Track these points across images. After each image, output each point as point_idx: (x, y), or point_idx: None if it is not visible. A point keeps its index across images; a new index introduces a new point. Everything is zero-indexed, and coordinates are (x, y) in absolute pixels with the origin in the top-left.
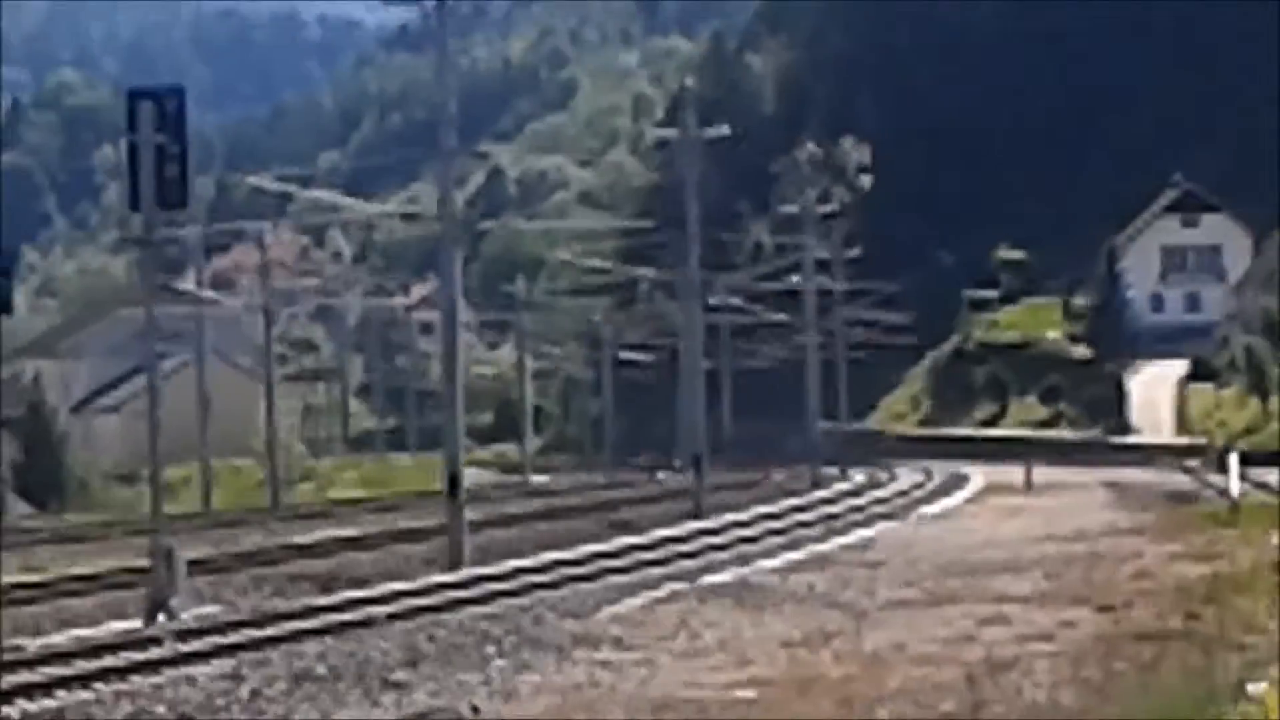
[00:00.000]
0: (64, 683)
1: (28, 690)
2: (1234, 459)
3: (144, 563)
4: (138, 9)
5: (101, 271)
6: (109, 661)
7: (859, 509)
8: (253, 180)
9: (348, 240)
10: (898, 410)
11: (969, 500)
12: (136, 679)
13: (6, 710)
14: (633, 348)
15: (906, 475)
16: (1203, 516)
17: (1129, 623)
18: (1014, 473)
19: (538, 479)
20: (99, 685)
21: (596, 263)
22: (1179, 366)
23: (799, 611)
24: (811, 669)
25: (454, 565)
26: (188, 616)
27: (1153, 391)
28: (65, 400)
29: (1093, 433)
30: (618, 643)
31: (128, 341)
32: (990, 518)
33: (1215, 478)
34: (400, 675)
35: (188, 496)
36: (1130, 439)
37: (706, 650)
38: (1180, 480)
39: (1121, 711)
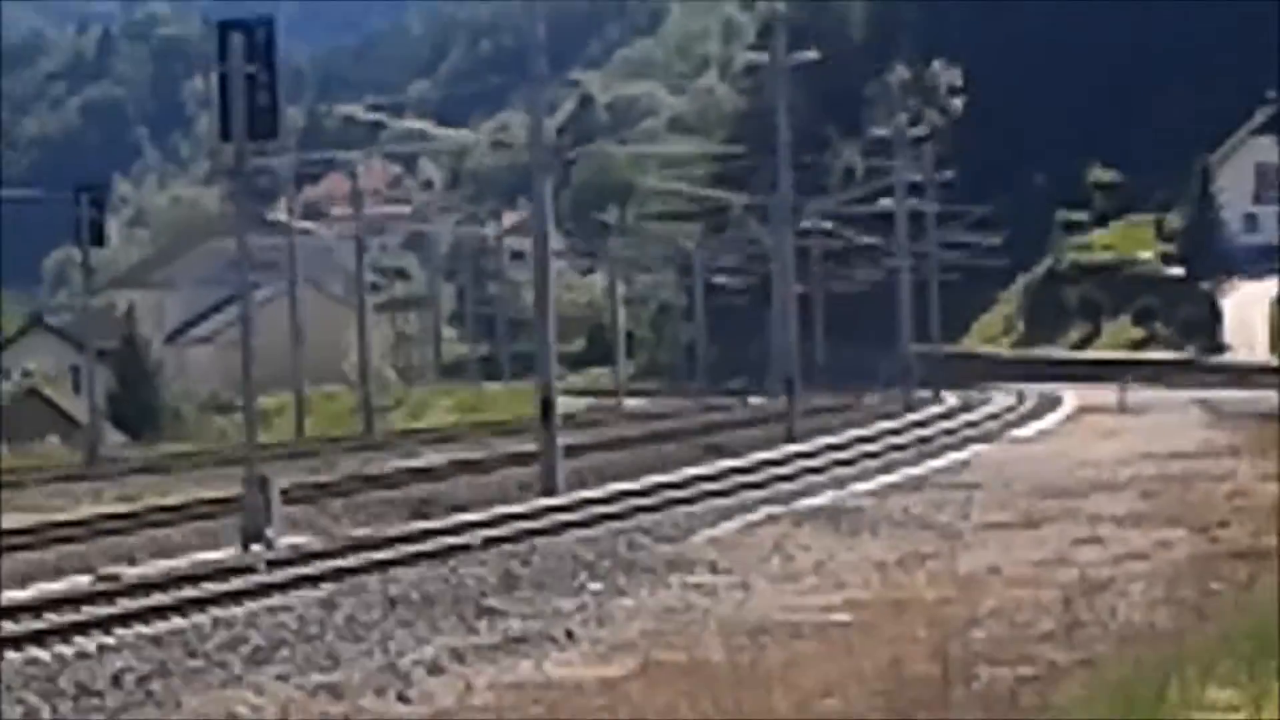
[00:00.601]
0: (160, 611)
1: (124, 619)
2: None
3: (238, 492)
4: None
5: (194, 202)
6: (204, 590)
7: (952, 432)
8: (343, 109)
9: (438, 168)
10: (991, 333)
11: (1063, 422)
12: (232, 607)
13: (103, 638)
14: (724, 273)
15: (1000, 398)
16: None
17: (1224, 542)
18: (1108, 394)
19: (631, 404)
20: (195, 614)
21: (687, 188)
22: (1273, 286)
23: (893, 534)
24: (906, 591)
25: (549, 490)
26: (282, 544)
27: (1247, 311)
28: (159, 331)
29: (1187, 353)
30: (712, 566)
31: (220, 272)
32: (1084, 439)
33: None
34: (495, 601)
35: (282, 425)
36: (1224, 359)
37: (801, 573)
38: (1275, 399)
39: (1218, 630)
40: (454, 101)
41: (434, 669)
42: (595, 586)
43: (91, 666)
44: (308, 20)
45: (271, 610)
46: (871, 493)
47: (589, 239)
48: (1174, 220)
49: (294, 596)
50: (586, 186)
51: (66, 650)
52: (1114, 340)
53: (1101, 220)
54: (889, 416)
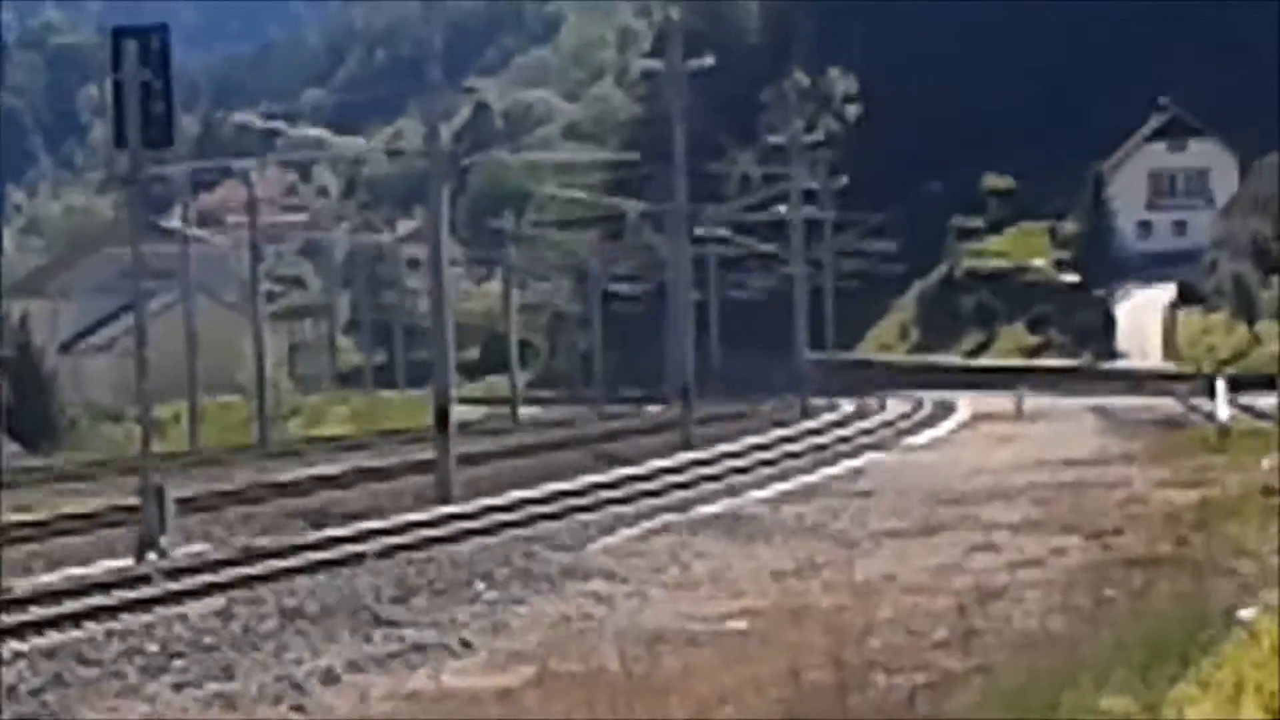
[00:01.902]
0: (54, 621)
1: (18, 630)
2: (1222, 384)
3: (134, 501)
4: None
5: (88, 210)
6: (99, 600)
7: (848, 439)
8: (238, 117)
9: (334, 176)
10: (886, 340)
11: (958, 429)
12: (127, 617)
13: None
14: (620, 280)
15: (895, 405)
16: (1192, 442)
17: (1119, 550)
18: (1003, 401)
19: (527, 412)
20: (89, 624)
21: (583, 196)
22: (1167, 292)
23: (789, 542)
24: (802, 599)
25: (443, 499)
26: (178, 554)
27: (1141, 317)
28: (53, 340)
29: (1081, 359)
30: (608, 575)
31: (115, 280)
32: (979, 446)
33: (1204, 403)
34: (391, 611)
35: (176, 434)
36: (1119, 365)
37: (697, 582)
38: (1169, 406)
39: (1112, 638)
40: (350, 109)
41: (330, 679)
42: (491, 595)
43: None
44: (204, 28)
45: (167, 620)
46: (767, 501)
47: (485, 247)
48: (1068, 227)
49: (189, 606)
50: (482, 194)
51: None
52: (1009, 347)
53: (996, 227)
54: (785, 424)
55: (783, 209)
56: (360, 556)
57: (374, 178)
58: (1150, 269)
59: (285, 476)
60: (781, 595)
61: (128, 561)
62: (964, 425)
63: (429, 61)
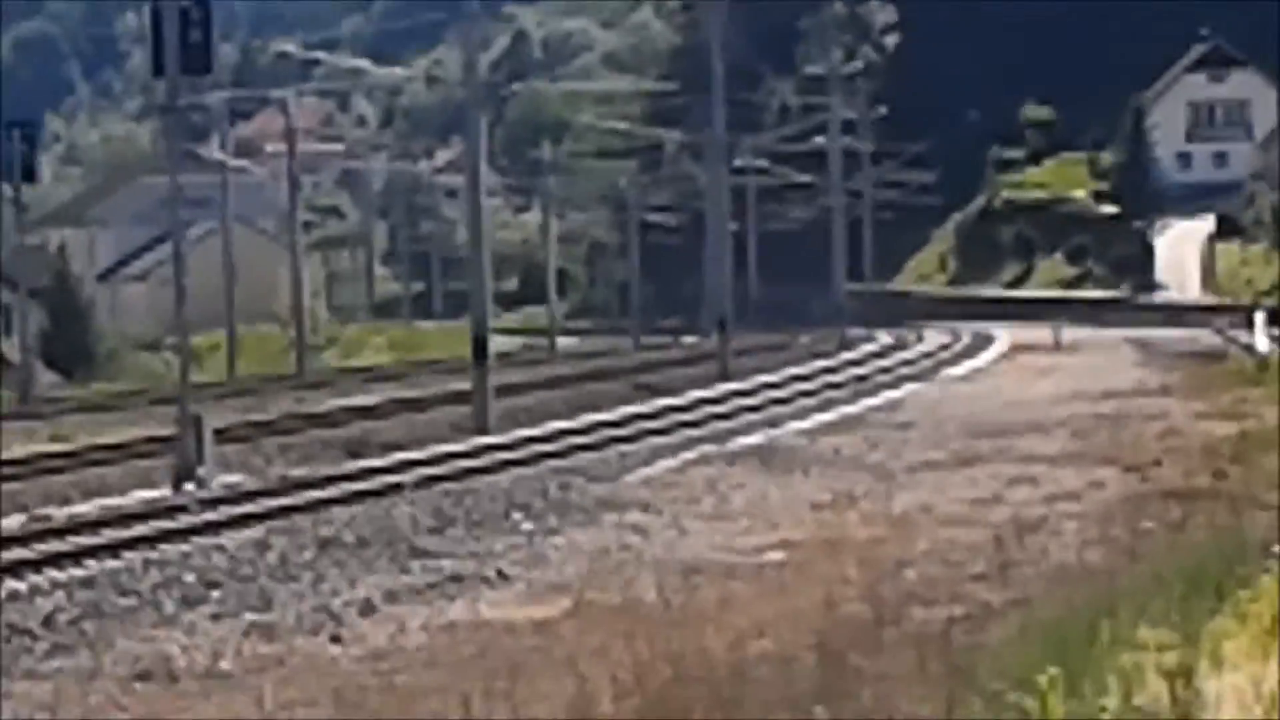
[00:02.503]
0: (92, 551)
1: (56, 559)
2: (1261, 316)
3: (171, 431)
4: None
5: (126, 139)
6: (137, 530)
7: (886, 370)
8: (276, 46)
9: (372, 105)
10: (924, 271)
11: (996, 360)
12: (164, 547)
13: (35, 579)
14: (658, 211)
15: (934, 336)
16: (1230, 374)
17: (1156, 482)
18: (1041, 332)
19: (565, 343)
20: (127, 553)
21: (621, 125)
22: (1206, 224)
23: (826, 474)
24: (839, 531)
25: (481, 429)
26: (215, 484)
27: (1180, 249)
28: (91, 268)
29: (1119, 292)
30: (645, 506)
31: (153, 209)
32: (1018, 378)
33: (1242, 335)
34: (427, 542)
35: (214, 364)
36: (1157, 298)
37: (734, 513)
38: (1207, 338)
39: (1150, 570)
40: (387, 38)
41: (367, 609)
42: (528, 526)
43: (23, 607)
44: None
45: (204, 550)
46: (805, 432)
47: (523, 176)
48: (1107, 158)
49: (227, 537)
50: (520, 124)
51: None
52: (1047, 278)
53: (1035, 158)
54: (823, 355)
55: (821, 139)
56: (397, 487)
57: (412, 107)
58: (1189, 201)
59: (322, 407)
60: (818, 527)
61: (165, 491)
62: (1002, 357)
63: None
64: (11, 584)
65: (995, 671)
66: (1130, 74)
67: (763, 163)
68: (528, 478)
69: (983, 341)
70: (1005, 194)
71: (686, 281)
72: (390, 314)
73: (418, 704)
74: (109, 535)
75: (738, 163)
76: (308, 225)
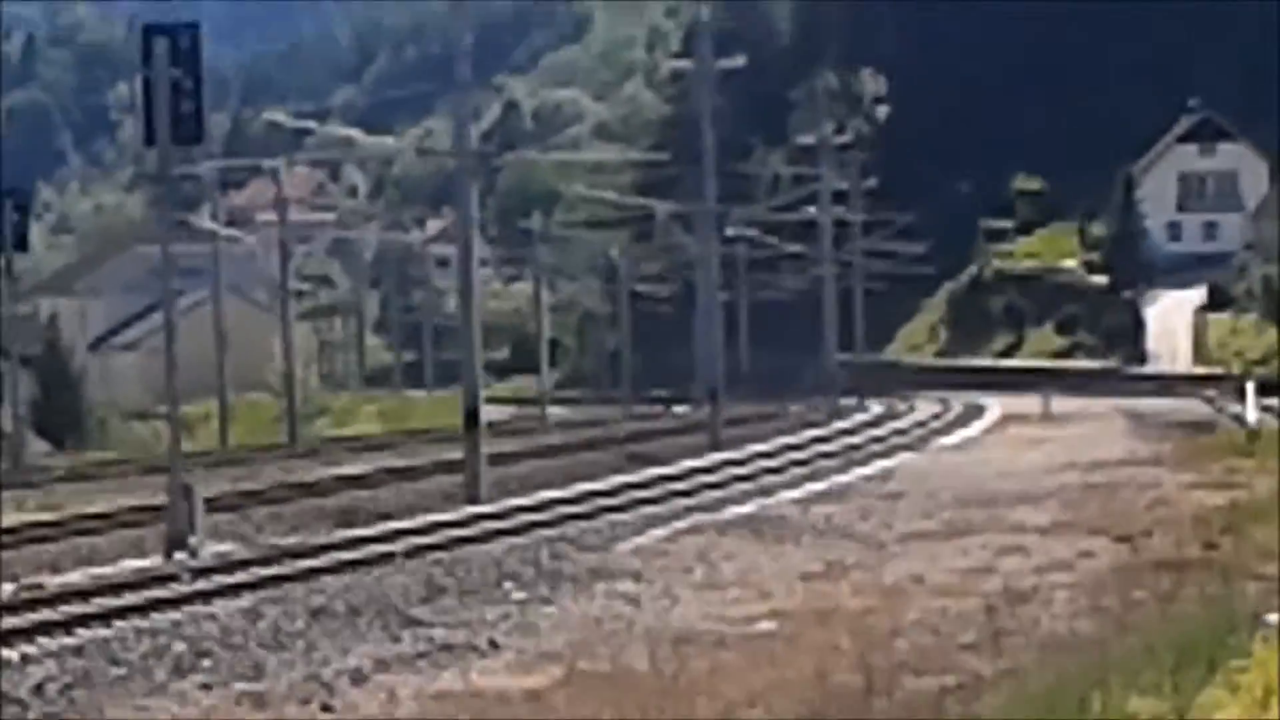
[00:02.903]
0: (83, 620)
1: (47, 628)
2: (1251, 387)
3: (162, 500)
4: None
5: (117, 208)
6: (128, 599)
7: (877, 440)
8: (268, 116)
9: (363, 175)
10: (915, 341)
11: (987, 430)
12: (156, 615)
13: (26, 647)
14: (649, 280)
15: (924, 406)
16: (1220, 445)
17: (1147, 552)
18: (1031, 403)
19: (556, 412)
20: (118, 622)
21: (612, 196)
22: (1196, 295)
23: (818, 543)
24: (830, 601)
25: (473, 499)
26: (206, 553)
27: (1170, 320)
28: (82, 338)
29: (1110, 362)
30: (636, 575)
31: (144, 278)
32: (1008, 448)
33: (1233, 406)
34: (419, 610)
35: (205, 433)
36: (1147, 368)
37: (725, 583)
38: (1198, 409)
39: (1141, 641)
40: (379, 108)
41: (358, 678)
42: (519, 595)
43: (14, 675)
44: (234, 24)
45: (195, 619)
46: (797, 501)
47: (514, 246)
48: (1098, 229)
49: (218, 605)
50: (511, 193)
51: None
52: (1038, 349)
53: (1025, 228)
54: (814, 425)
55: (812, 210)
56: (389, 556)
57: (403, 176)
58: (1180, 271)
59: (313, 476)
60: (809, 597)
61: (156, 560)
62: (993, 427)
63: (458, 60)
64: (3, 652)
65: None
66: (1120, 145)
67: (754, 233)
68: (519, 546)
69: (973, 411)
70: (996, 264)
71: (677, 351)
72: (382, 383)
73: None
74: (100, 604)
75: (729, 233)
76: (299, 294)
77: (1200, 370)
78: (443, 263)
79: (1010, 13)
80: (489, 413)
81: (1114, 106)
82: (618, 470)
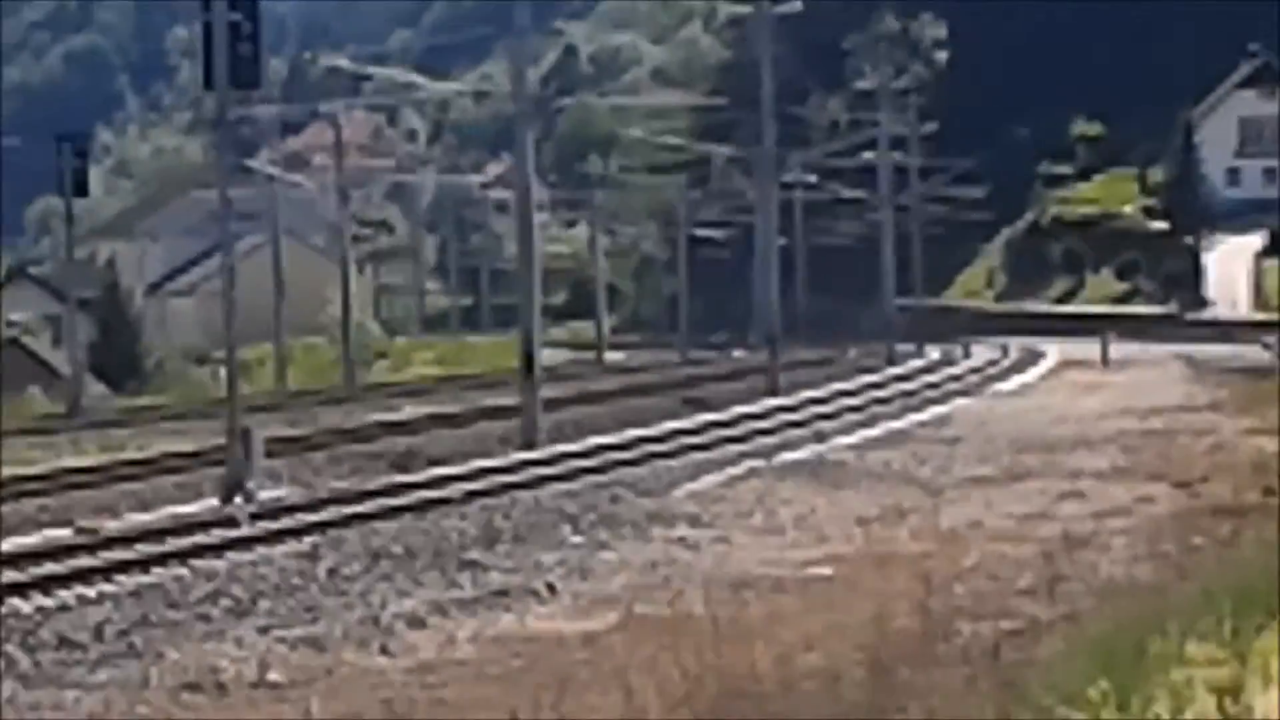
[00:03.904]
0: (141, 563)
1: (105, 570)
2: None
3: (220, 443)
4: None
5: (176, 152)
6: (186, 542)
7: (934, 385)
8: (326, 60)
9: (421, 119)
10: (973, 286)
11: (1044, 376)
12: (213, 560)
13: (84, 590)
14: (707, 225)
15: (982, 351)
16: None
17: (1205, 498)
18: (1090, 348)
19: (613, 357)
20: (176, 565)
21: (671, 140)
22: (1256, 240)
23: (875, 488)
24: (888, 546)
25: (529, 444)
26: (264, 496)
27: (1230, 266)
28: (141, 281)
29: (1169, 308)
30: (694, 520)
31: (203, 222)
32: (1066, 394)
33: None
34: (476, 554)
35: (263, 376)
36: (1206, 314)
37: (783, 528)
38: (1258, 355)
39: (1199, 586)
40: (437, 52)
41: (415, 622)
42: (576, 540)
43: (72, 618)
44: None
45: (253, 563)
46: (853, 447)
47: (572, 191)
48: (1157, 174)
49: (275, 549)
50: (570, 138)
51: (48, 602)
52: (1097, 294)
53: (1085, 174)
54: (871, 370)
55: (870, 155)
56: (445, 500)
57: (461, 121)
58: (1239, 216)
59: (369, 420)
60: (867, 541)
61: (214, 503)
62: (1051, 372)
63: (516, 4)
64: (61, 595)
65: (1044, 686)
66: (1180, 90)
67: (811, 178)
68: (576, 491)
69: (1031, 357)
70: (1054, 210)
71: (735, 296)
72: (439, 328)
73: (466, 716)
74: (158, 547)
75: (786, 178)
76: (357, 239)
77: (1260, 316)
78: (500, 207)
79: None
80: (546, 357)
81: (1174, 51)
82: (675, 415)
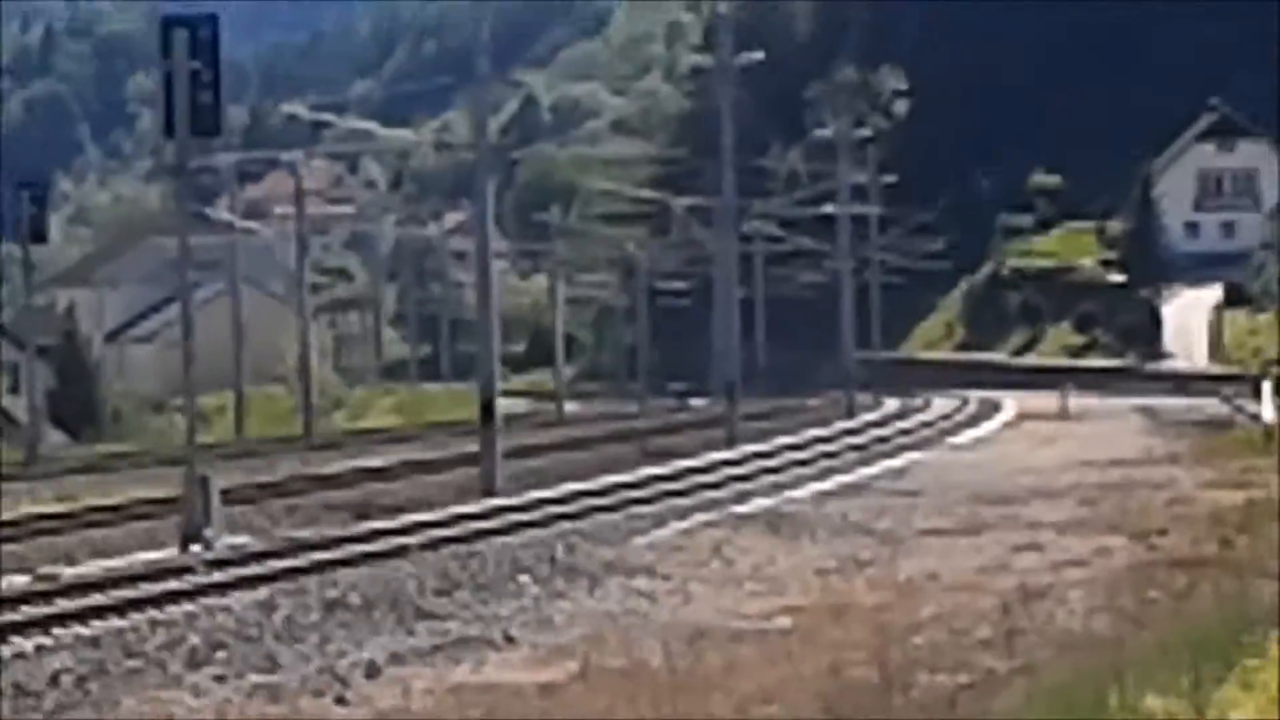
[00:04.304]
0: (98, 611)
1: (61, 619)
2: (1268, 386)
3: (178, 492)
4: None
5: (135, 200)
6: (143, 590)
7: (892, 436)
8: (287, 108)
9: (382, 168)
10: (932, 337)
11: (1004, 427)
12: (170, 607)
13: (41, 638)
14: (667, 276)
15: (940, 402)
16: (1237, 443)
17: (1163, 550)
18: (1048, 400)
19: (571, 407)
20: (133, 614)
21: (630, 190)
22: (1214, 293)
23: (833, 539)
24: (845, 597)
25: (487, 493)
26: (221, 545)
27: (1187, 318)
28: (99, 329)
29: (1127, 360)
30: (651, 571)
31: (161, 270)
32: (1024, 445)
33: (1250, 405)
34: (434, 604)
35: (221, 425)
36: (1165, 366)
37: (740, 578)
38: (1215, 407)
39: (1156, 638)
40: (398, 101)
41: (372, 671)
42: (534, 590)
43: (29, 666)
44: (253, 16)
45: (210, 611)
46: (812, 497)
47: (531, 240)
48: (1115, 226)
49: (233, 598)
50: (529, 188)
51: (3, 650)
52: (1055, 346)
53: (1043, 225)
54: (830, 421)
55: (830, 205)
56: (403, 549)
57: (421, 170)
58: (1197, 270)
59: (329, 469)
60: (824, 592)
61: (172, 552)
62: (1009, 424)
63: (477, 54)
64: (17, 643)
65: None
66: (1139, 143)
67: (772, 228)
68: (536, 540)
69: (990, 408)
70: (1013, 261)
71: (695, 346)
72: (399, 376)
73: None
74: (115, 595)
75: (746, 228)
76: (316, 287)
77: (1217, 369)
78: (460, 256)
79: (1029, 10)
80: (505, 406)
81: (1133, 104)
82: (633, 465)
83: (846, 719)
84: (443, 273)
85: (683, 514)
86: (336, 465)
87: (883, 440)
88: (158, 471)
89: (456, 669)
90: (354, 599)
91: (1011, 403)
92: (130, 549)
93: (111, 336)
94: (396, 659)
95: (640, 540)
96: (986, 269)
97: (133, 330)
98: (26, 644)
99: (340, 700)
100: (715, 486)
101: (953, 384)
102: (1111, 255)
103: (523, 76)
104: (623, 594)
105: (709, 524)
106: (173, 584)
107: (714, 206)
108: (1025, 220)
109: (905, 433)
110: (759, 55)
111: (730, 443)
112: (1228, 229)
